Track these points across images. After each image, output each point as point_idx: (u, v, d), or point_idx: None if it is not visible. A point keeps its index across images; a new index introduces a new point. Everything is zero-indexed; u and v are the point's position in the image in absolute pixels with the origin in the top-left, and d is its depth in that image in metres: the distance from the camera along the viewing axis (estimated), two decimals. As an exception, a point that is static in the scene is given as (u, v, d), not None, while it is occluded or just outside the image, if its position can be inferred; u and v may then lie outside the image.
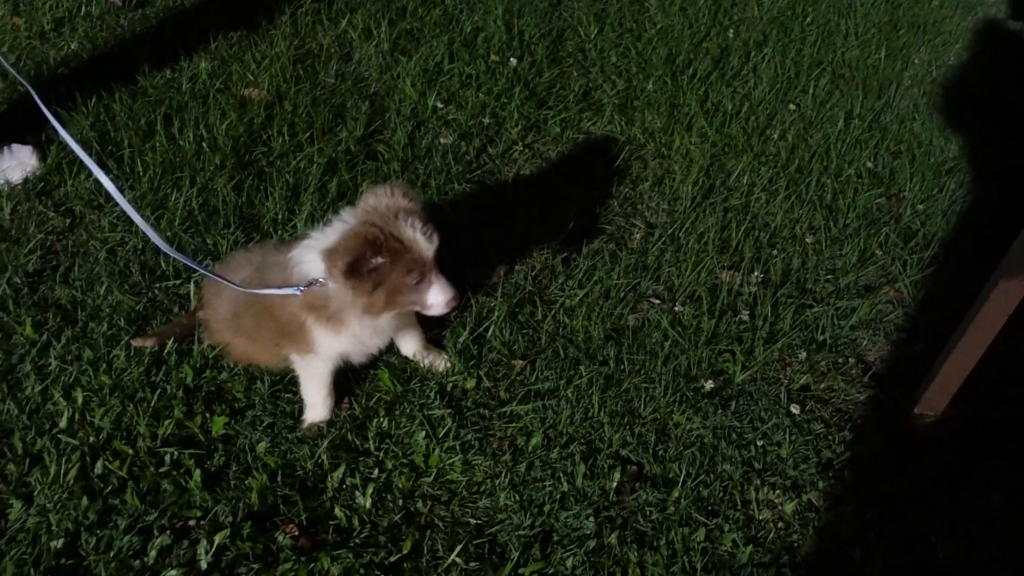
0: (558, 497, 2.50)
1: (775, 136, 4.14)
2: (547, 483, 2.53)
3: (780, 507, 2.59)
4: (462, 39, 4.39)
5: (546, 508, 2.47)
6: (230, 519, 2.31)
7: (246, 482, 2.40)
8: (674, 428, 2.74)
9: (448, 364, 2.79)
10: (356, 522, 2.36)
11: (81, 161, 2.17)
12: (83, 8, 4.20)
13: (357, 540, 2.33)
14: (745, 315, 3.15)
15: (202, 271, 2.57)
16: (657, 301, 3.17)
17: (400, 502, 2.44)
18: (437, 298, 2.28)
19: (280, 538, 2.29)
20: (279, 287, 2.30)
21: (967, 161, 4.19)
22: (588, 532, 2.43)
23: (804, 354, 3.06)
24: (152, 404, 2.54)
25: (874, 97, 4.58)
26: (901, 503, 2.64)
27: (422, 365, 2.77)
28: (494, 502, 2.47)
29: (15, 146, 3.25)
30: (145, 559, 2.20)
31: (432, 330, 2.85)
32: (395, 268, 2.18)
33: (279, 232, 3.13)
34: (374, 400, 2.69)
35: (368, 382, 2.74)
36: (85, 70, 3.81)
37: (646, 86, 4.29)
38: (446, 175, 3.54)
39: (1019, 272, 2.48)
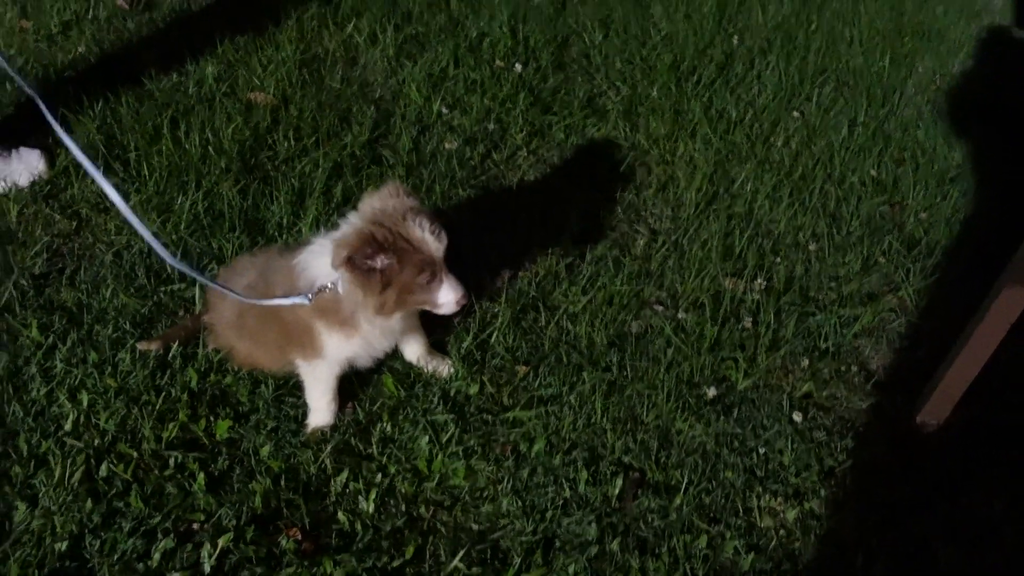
0: (560, 503, 2.51)
1: (779, 143, 4.14)
2: (549, 489, 2.54)
3: (782, 515, 2.59)
4: (467, 44, 4.41)
5: (548, 514, 2.47)
6: (234, 522, 2.32)
7: (250, 486, 2.41)
8: (676, 435, 2.75)
9: (451, 369, 2.79)
10: (359, 526, 2.37)
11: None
12: (90, 11, 4.22)
13: (360, 544, 2.33)
14: (748, 322, 3.15)
15: (205, 281, 2.57)
16: (660, 308, 3.18)
17: (403, 507, 2.45)
18: (448, 297, 2.30)
19: (283, 542, 2.30)
20: (286, 294, 2.31)
21: (971, 169, 4.20)
22: (590, 538, 2.43)
23: (807, 362, 3.06)
24: (157, 407, 2.55)
25: (878, 105, 4.58)
26: (903, 510, 2.64)
27: (425, 370, 2.78)
28: (496, 508, 2.48)
29: (23, 150, 3.26)
30: (149, 562, 2.21)
31: (436, 335, 2.86)
32: (405, 268, 2.20)
33: (284, 236, 3.14)
34: (377, 405, 2.70)
35: (371, 387, 2.75)
36: (92, 73, 3.83)
37: (650, 92, 4.30)
38: (450, 180, 3.56)
39: (1022, 280, 2.49)
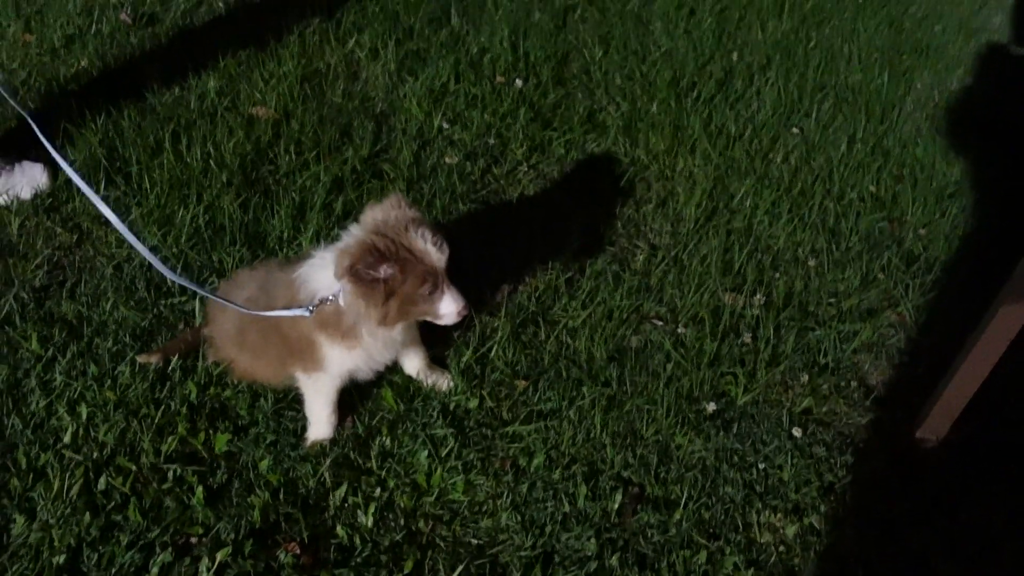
0: (560, 518, 2.50)
1: (778, 159, 4.16)
2: (549, 504, 2.53)
3: (782, 530, 2.58)
4: (468, 60, 4.43)
5: (547, 529, 2.47)
6: (232, 536, 2.31)
7: (248, 499, 2.41)
8: (676, 450, 2.75)
9: (451, 383, 2.79)
10: (358, 540, 2.37)
11: (88, 178, 2.19)
12: (93, 26, 4.25)
13: (358, 559, 2.33)
14: (747, 337, 3.16)
15: (205, 293, 2.58)
16: (660, 323, 3.18)
17: (402, 521, 2.44)
18: (449, 308, 2.31)
19: (282, 556, 2.30)
20: (287, 306, 2.32)
21: (969, 185, 4.21)
22: (589, 553, 2.42)
23: (806, 377, 3.07)
24: (156, 420, 2.55)
25: (877, 121, 4.60)
26: (903, 526, 2.64)
27: (425, 384, 2.78)
28: (496, 522, 2.47)
29: (26, 163, 3.28)
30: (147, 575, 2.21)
31: (435, 349, 2.86)
32: (408, 278, 2.21)
33: (285, 250, 3.15)
34: (377, 419, 2.69)
35: (371, 401, 2.75)
36: (95, 87, 3.86)
37: (650, 108, 4.32)
38: (451, 195, 3.57)
39: (1022, 296, 2.49)
